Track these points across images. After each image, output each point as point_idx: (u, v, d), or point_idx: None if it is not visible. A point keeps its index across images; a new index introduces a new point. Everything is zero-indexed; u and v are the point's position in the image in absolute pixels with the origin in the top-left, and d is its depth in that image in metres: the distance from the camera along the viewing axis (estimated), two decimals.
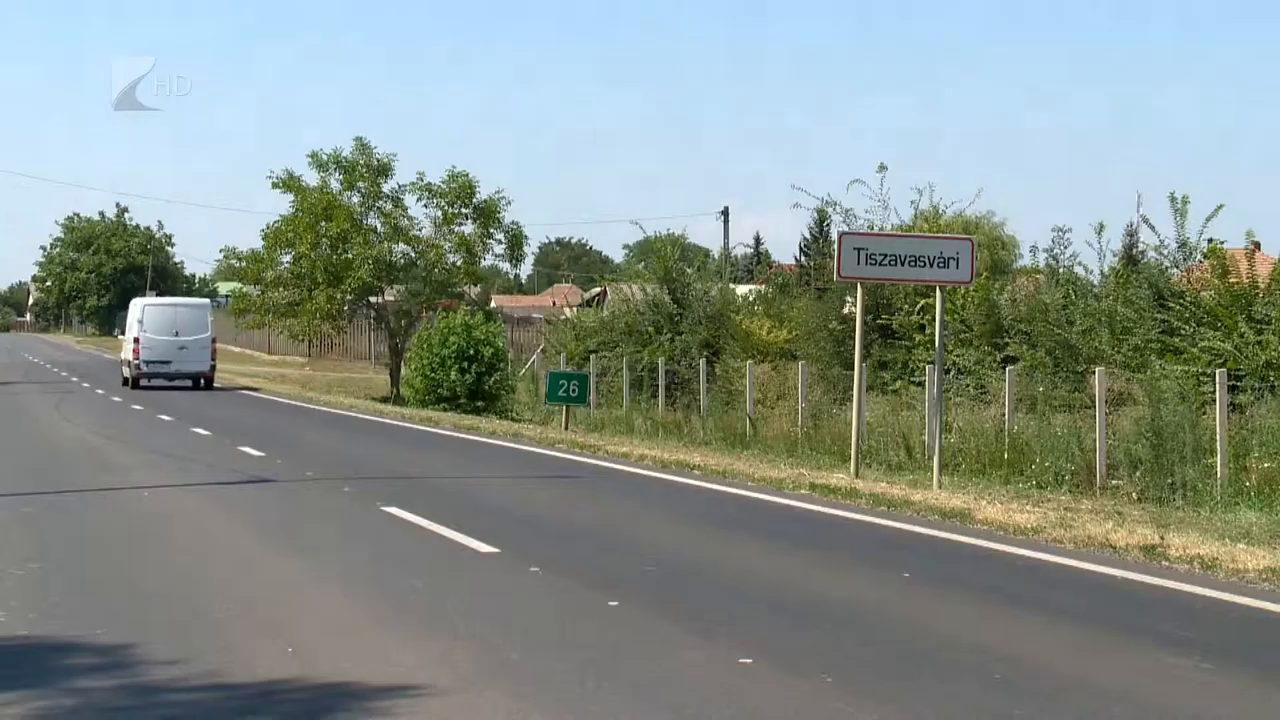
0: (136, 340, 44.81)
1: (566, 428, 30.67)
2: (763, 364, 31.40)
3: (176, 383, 45.47)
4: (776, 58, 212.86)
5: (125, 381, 45.80)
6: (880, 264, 19.02)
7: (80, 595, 10.70)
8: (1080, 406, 22.23)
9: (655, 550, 13.29)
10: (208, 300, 55.89)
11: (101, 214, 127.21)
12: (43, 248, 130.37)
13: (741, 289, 41.95)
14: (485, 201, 49.08)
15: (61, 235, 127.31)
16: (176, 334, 45.12)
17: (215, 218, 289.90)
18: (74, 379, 51.04)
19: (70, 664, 8.55)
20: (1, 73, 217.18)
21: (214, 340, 46.24)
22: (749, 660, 8.69)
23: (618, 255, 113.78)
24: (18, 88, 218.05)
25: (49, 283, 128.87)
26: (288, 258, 48.76)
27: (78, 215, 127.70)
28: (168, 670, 8.32)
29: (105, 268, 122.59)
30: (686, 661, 8.73)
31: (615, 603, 10.50)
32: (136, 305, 47.10)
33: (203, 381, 45.29)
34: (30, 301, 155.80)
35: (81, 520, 15.03)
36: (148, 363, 44.77)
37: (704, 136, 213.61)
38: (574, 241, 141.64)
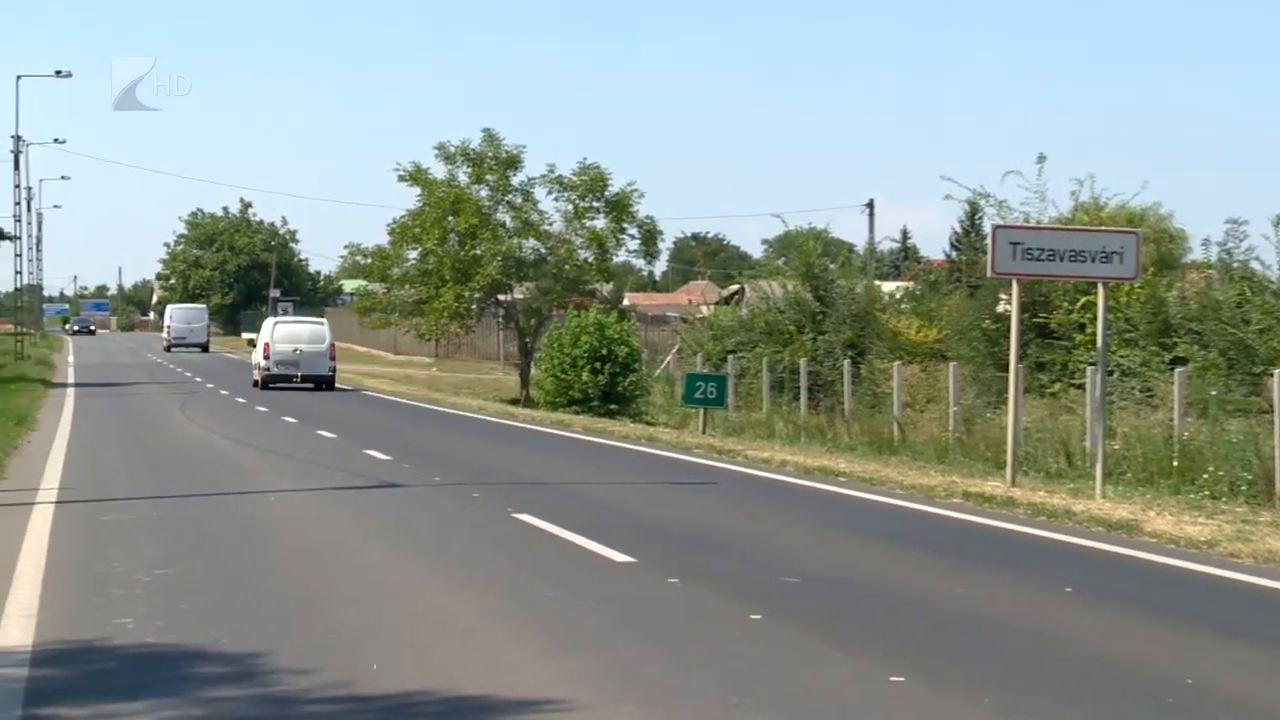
0: (168, 328, 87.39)
1: (704, 431, 30.36)
2: (911, 365, 30.90)
3: (190, 353, 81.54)
4: (923, 46, 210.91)
5: (166, 348, 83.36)
6: (1037, 259, 18.60)
7: (208, 602, 10.65)
8: (1257, 411, 21.46)
9: (799, 561, 13.06)
10: (203, 306, 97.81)
11: (225, 209, 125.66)
12: (166, 245, 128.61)
13: (888, 286, 41.70)
14: (618, 194, 48.16)
15: (185, 232, 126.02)
16: (189, 324, 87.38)
17: (339, 213, 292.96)
18: (198, 379, 51.32)
19: (198, 673, 8.54)
20: None
21: (209, 328, 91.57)
22: (900, 678, 8.47)
23: (756, 251, 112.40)
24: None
25: (172, 280, 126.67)
26: (414, 254, 48.14)
27: (201, 211, 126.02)
28: (297, 680, 8.28)
29: (229, 265, 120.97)
30: (833, 678, 8.56)
31: (757, 616, 10.29)
32: (168, 310, 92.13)
33: (200, 349, 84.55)
34: (154, 300, 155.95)
35: (208, 525, 15.04)
36: (175, 339, 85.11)
37: (849, 126, 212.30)
38: (710, 236, 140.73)
